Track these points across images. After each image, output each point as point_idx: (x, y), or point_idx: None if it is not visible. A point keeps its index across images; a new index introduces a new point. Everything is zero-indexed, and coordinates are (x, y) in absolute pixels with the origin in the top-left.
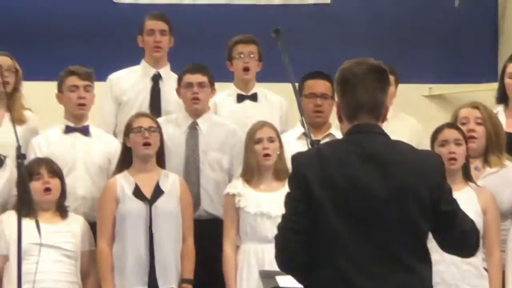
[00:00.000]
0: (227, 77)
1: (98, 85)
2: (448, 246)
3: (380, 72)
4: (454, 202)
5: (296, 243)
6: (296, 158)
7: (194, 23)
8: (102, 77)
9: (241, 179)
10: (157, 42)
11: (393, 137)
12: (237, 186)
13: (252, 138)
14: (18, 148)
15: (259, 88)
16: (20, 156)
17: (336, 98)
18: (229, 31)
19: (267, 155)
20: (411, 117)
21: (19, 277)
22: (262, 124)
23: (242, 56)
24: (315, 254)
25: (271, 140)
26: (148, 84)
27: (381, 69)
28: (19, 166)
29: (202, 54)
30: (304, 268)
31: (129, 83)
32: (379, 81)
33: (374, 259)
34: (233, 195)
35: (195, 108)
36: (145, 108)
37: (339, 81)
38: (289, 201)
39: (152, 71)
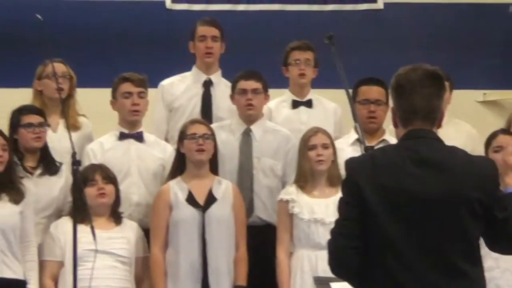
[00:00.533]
0: (281, 83)
1: (150, 92)
2: (500, 249)
3: (436, 78)
4: (507, 208)
5: (348, 249)
6: (349, 163)
7: (248, 29)
8: (155, 84)
9: (295, 185)
10: (208, 48)
11: (448, 143)
12: (291, 192)
13: (306, 145)
14: (74, 154)
15: (313, 94)
16: (75, 162)
17: (391, 104)
18: (282, 37)
19: (321, 161)
20: (465, 123)
21: (74, 283)
22: (316, 131)
23: (298, 62)
24: (368, 259)
25: (325, 146)
26: (200, 90)
27: (437, 75)
28: (75, 172)
29: (256, 60)
30: (357, 273)
31: (180, 89)
32: (435, 87)
33: (428, 265)
34: (287, 201)
35: (249, 114)
36: (197, 114)
37: (395, 87)
38: (342, 206)
39: (203, 77)
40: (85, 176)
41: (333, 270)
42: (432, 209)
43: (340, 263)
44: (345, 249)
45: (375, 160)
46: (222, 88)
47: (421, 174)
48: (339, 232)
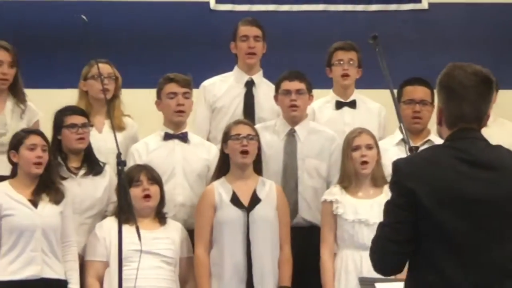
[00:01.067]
0: (324, 84)
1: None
2: None
3: (488, 83)
4: None
5: (395, 255)
6: (398, 164)
7: (292, 29)
8: (197, 84)
9: (339, 186)
10: (251, 48)
11: (492, 142)
12: (335, 193)
13: (349, 146)
14: (119, 155)
15: (357, 94)
16: (121, 163)
17: (436, 102)
18: (326, 38)
19: (365, 162)
20: (510, 122)
21: (120, 283)
22: (360, 131)
23: (341, 62)
24: (419, 259)
25: (369, 147)
26: (242, 91)
27: (489, 81)
28: (120, 173)
29: (300, 61)
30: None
31: (222, 90)
32: (486, 93)
33: (483, 264)
34: (331, 202)
35: (293, 115)
36: (239, 115)
37: (444, 87)
38: (391, 209)
39: (245, 78)
40: (130, 176)
41: (378, 271)
42: (487, 209)
43: (384, 267)
44: (391, 254)
45: (425, 161)
46: (264, 88)
47: (474, 175)
48: (386, 237)
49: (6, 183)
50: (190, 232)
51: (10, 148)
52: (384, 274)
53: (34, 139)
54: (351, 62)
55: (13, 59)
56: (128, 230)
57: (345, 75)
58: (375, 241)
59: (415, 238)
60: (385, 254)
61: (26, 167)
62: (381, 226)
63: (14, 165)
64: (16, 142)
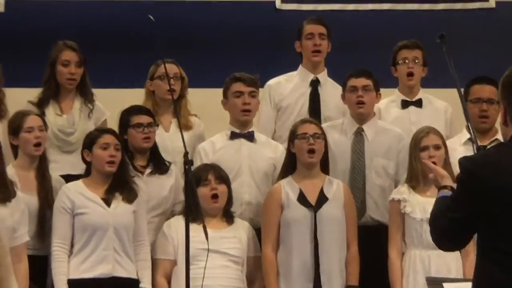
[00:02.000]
0: (390, 83)
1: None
2: None
3: None
4: None
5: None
6: (466, 162)
7: (357, 28)
8: (262, 84)
9: (406, 185)
10: (316, 46)
11: None
12: (403, 192)
13: (417, 146)
14: (186, 154)
15: (423, 93)
16: (188, 162)
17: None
18: (392, 37)
19: (433, 163)
20: None
21: (187, 282)
22: (427, 131)
23: (406, 61)
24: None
25: (436, 147)
26: (307, 90)
27: None
28: (187, 172)
29: (365, 60)
30: None
31: (288, 89)
32: None
33: None
34: (399, 201)
35: (360, 112)
36: (304, 113)
37: (508, 87)
38: (454, 200)
39: (310, 76)
40: (198, 176)
41: (442, 247)
42: None
43: (454, 244)
44: (457, 234)
45: (492, 159)
46: (329, 87)
47: None
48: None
49: (79, 182)
50: (257, 231)
51: (84, 147)
52: (447, 249)
53: (107, 138)
54: (416, 61)
55: (80, 59)
56: (196, 229)
57: (410, 74)
58: (437, 216)
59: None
60: (450, 231)
61: (100, 166)
62: (445, 207)
63: (88, 164)
64: (90, 141)
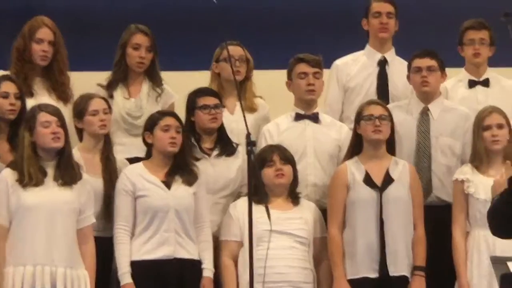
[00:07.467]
0: (458, 62)
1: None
2: None
3: None
4: None
5: None
6: None
7: (425, 8)
8: (327, 65)
9: (470, 165)
10: (383, 24)
11: None
12: (466, 172)
13: (480, 125)
14: (248, 135)
15: (491, 73)
16: (250, 143)
17: None
18: (459, 16)
19: (496, 141)
20: None
21: (250, 263)
22: (490, 111)
23: (472, 42)
24: None
25: (500, 126)
26: (375, 69)
27: None
28: (249, 153)
29: (433, 39)
30: None
31: (355, 69)
32: None
33: None
34: (462, 181)
35: (424, 91)
36: (373, 94)
37: None
38: None
39: (378, 56)
40: (263, 157)
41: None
42: None
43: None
44: None
45: None
46: (397, 66)
47: None
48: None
49: (140, 165)
50: (323, 212)
51: (145, 130)
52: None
53: (168, 121)
54: (482, 42)
55: (151, 43)
56: (261, 211)
57: (476, 54)
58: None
59: None
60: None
61: (161, 147)
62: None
63: (149, 147)
64: (151, 124)
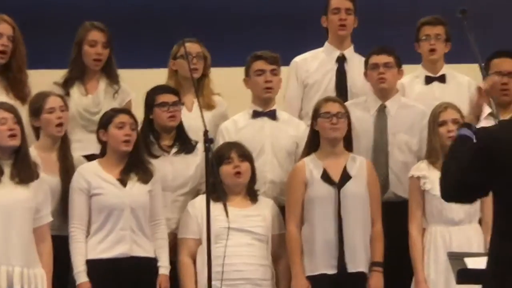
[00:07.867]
0: (415, 59)
1: (281, 70)
2: None
3: None
4: None
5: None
6: (480, 131)
7: (381, 4)
8: (285, 62)
9: (426, 161)
10: (342, 21)
11: None
12: (422, 168)
13: (436, 121)
14: (205, 132)
15: (447, 69)
16: (208, 140)
17: None
18: (415, 12)
19: (452, 137)
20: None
21: (209, 261)
22: (445, 106)
23: (428, 38)
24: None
25: (455, 121)
26: (333, 66)
27: None
28: (207, 150)
29: (389, 36)
30: None
31: (314, 66)
32: None
33: None
34: (418, 178)
35: (382, 88)
36: (331, 90)
37: None
38: (469, 161)
39: (337, 53)
40: (220, 154)
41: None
42: None
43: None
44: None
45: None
46: (356, 63)
47: None
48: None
49: (95, 163)
50: (281, 209)
51: (99, 127)
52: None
53: (122, 118)
54: (438, 37)
55: (107, 40)
56: (219, 208)
57: (432, 50)
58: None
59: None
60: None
61: (115, 145)
62: (454, 159)
63: (103, 144)
64: (105, 121)
